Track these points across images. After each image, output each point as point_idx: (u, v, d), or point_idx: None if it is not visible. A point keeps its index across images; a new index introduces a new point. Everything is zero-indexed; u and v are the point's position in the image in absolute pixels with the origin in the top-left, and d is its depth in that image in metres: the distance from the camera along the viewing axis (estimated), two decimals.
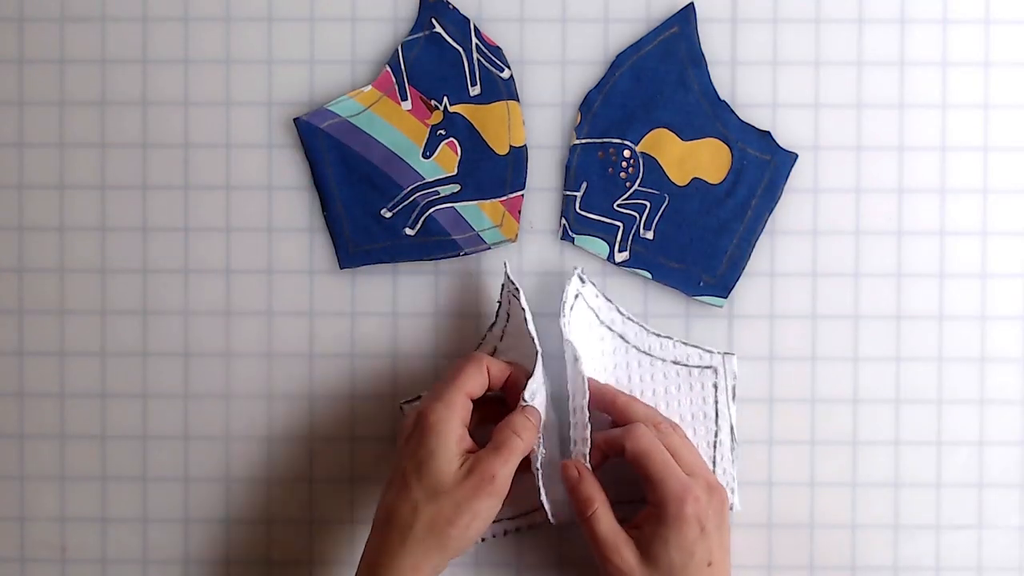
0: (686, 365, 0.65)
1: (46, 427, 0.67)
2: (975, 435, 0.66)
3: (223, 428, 0.67)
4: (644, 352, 0.65)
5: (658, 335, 0.65)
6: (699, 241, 0.66)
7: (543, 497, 0.61)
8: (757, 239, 0.66)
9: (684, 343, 0.65)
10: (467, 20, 0.66)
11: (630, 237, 0.66)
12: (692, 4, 0.66)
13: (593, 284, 0.64)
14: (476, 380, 0.60)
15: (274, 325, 0.67)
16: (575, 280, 0.63)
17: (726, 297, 0.66)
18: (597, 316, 0.65)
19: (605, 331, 0.65)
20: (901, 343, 0.66)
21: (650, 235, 0.66)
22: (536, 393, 0.60)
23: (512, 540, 0.66)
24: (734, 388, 0.65)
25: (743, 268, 0.66)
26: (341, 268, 0.67)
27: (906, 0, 0.66)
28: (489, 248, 0.66)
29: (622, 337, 0.65)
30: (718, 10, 0.66)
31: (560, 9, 0.66)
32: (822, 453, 0.66)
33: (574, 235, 0.66)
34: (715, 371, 0.65)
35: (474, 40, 0.66)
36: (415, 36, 0.66)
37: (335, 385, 0.67)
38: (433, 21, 0.66)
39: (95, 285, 0.67)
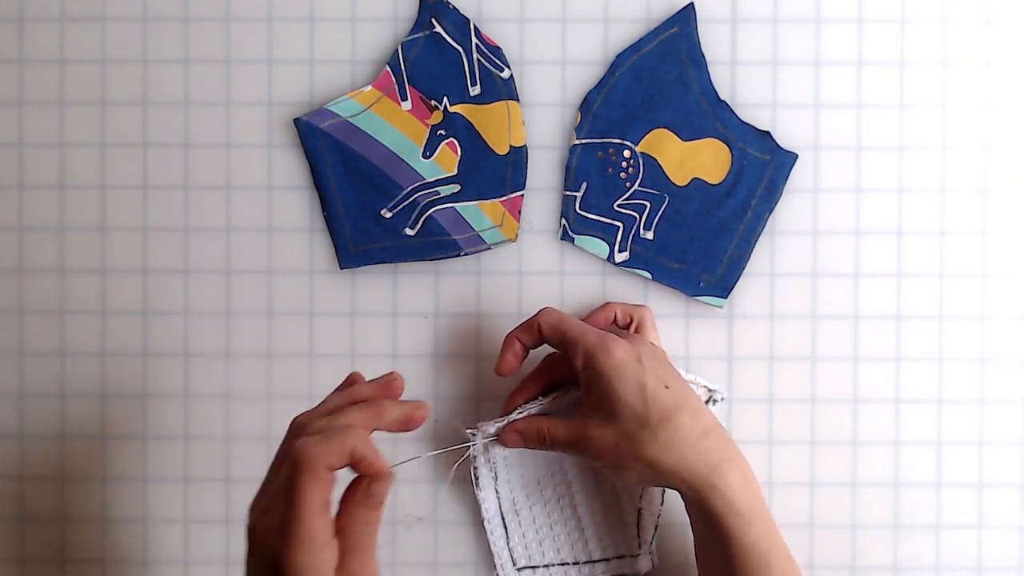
0: None
1: (46, 427, 0.67)
2: (975, 435, 0.66)
3: (223, 428, 0.67)
4: None
5: None
6: (699, 241, 0.66)
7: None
8: (757, 239, 0.66)
9: None
10: (467, 20, 0.66)
11: (630, 237, 0.66)
12: (692, 4, 0.66)
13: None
14: (325, 490, 0.51)
15: (274, 325, 0.67)
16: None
17: (726, 297, 0.66)
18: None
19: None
20: (901, 343, 0.66)
21: (650, 235, 0.66)
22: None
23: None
24: None
25: (743, 268, 0.66)
26: (341, 268, 0.66)
27: (906, 0, 0.66)
28: (489, 248, 0.66)
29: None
30: (718, 10, 0.66)
31: (560, 9, 0.66)
32: (822, 453, 0.66)
33: (574, 235, 0.66)
34: None
35: (474, 40, 0.66)
36: (415, 36, 0.66)
37: (334, 385, 0.67)
38: (433, 21, 0.66)
39: (95, 285, 0.67)
